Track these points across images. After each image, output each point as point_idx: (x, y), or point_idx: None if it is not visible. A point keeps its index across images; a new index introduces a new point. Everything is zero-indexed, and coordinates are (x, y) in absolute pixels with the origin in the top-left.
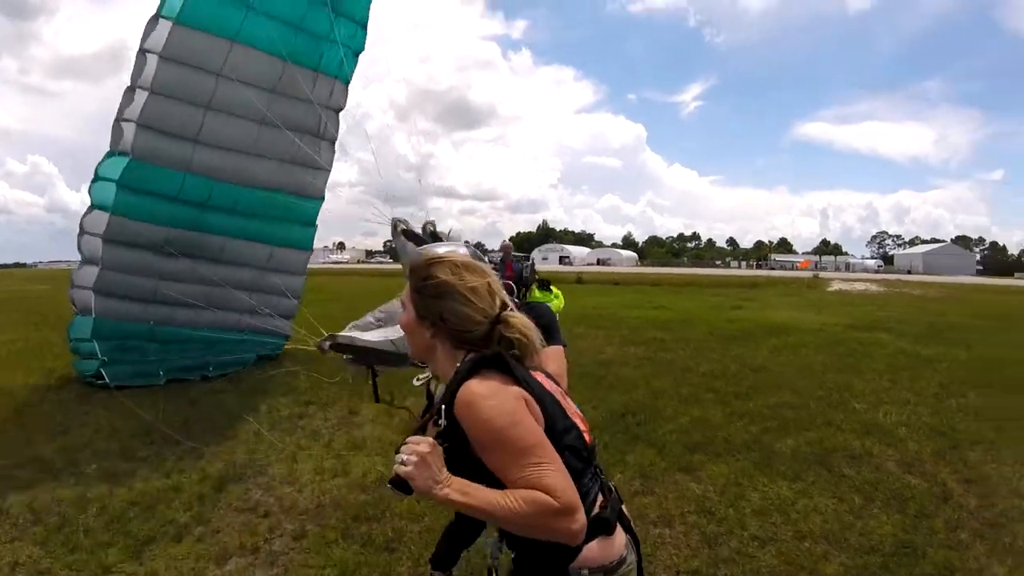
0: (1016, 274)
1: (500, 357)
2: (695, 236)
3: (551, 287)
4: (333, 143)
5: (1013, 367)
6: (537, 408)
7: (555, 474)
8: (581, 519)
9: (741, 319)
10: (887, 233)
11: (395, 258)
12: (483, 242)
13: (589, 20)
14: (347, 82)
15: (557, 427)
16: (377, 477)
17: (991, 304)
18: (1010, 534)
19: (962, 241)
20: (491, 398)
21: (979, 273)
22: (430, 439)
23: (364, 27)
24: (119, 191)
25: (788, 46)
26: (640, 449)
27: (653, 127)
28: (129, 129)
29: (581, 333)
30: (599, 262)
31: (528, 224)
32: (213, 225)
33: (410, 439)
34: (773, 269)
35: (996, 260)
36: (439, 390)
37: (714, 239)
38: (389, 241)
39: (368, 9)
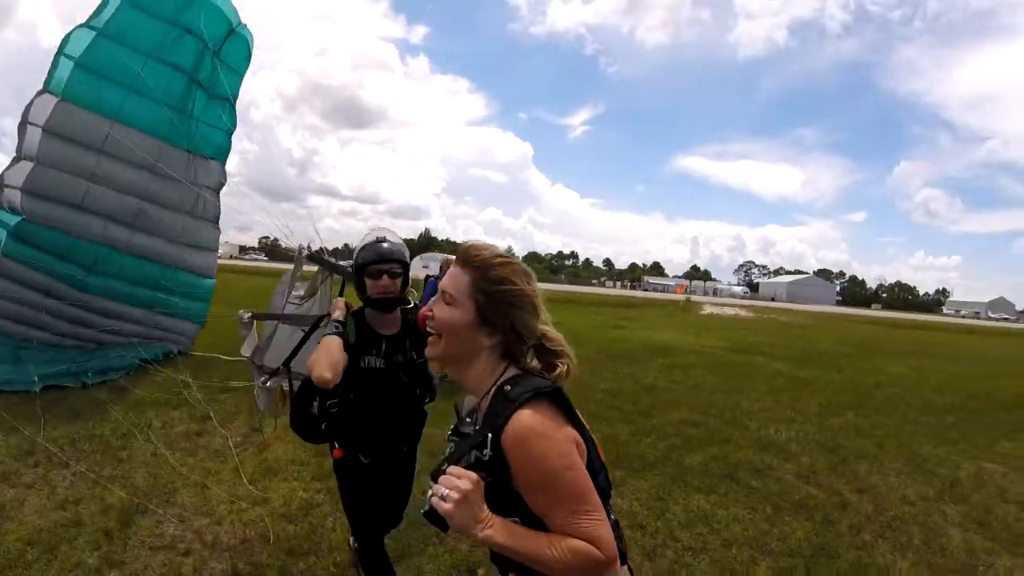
0: (872, 305)
1: (560, 392)
2: (573, 255)
3: None
4: (216, 222)
5: (880, 390)
6: (584, 448)
7: (601, 525)
8: (619, 569)
9: (625, 339)
10: (754, 262)
11: (271, 256)
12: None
13: (490, 35)
14: (223, 161)
15: (594, 467)
16: (301, 505)
17: (852, 332)
18: (906, 534)
19: (823, 274)
20: (546, 437)
21: (838, 303)
22: (472, 475)
23: (234, 104)
24: (9, 239)
25: (677, 83)
26: None
27: (540, 146)
28: (15, 194)
29: None
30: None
31: (410, 231)
32: (97, 288)
33: (451, 470)
34: (646, 290)
35: (854, 292)
36: (466, 403)
37: (591, 259)
38: (265, 237)
39: (239, 87)
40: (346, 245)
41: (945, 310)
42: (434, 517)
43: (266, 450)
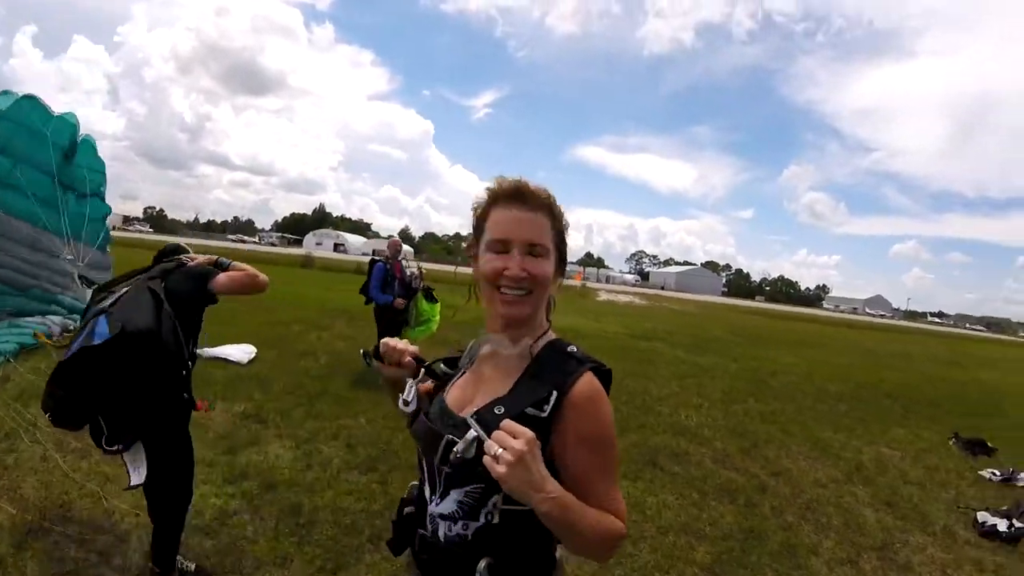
0: (756, 297)
1: (608, 371)
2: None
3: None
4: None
5: (775, 378)
6: None
7: (622, 500)
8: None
9: None
10: (645, 252)
11: (157, 228)
12: (252, 219)
13: (400, 8)
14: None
15: None
16: (216, 514)
17: (740, 322)
18: (825, 515)
19: (710, 265)
20: (608, 404)
21: (724, 294)
22: (530, 434)
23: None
24: None
25: (582, 73)
26: None
27: (442, 125)
28: None
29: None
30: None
31: (303, 205)
32: None
33: (505, 425)
34: None
35: (739, 284)
36: (485, 344)
37: None
38: (151, 207)
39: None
40: (235, 218)
41: (825, 305)
42: (465, 466)
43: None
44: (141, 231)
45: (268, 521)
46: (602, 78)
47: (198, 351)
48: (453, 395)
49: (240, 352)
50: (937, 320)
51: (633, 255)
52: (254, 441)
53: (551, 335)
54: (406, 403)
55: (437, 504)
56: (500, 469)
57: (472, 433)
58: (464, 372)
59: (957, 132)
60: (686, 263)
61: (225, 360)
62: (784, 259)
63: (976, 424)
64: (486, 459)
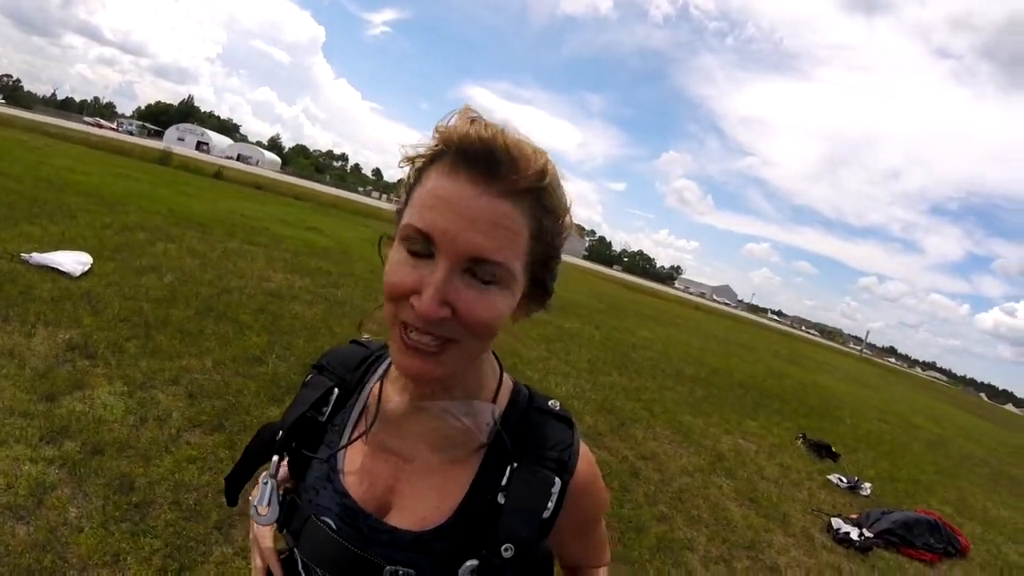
0: (614, 266)
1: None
2: (343, 157)
3: None
4: None
5: (636, 352)
6: None
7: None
8: None
9: None
10: None
11: (11, 100)
12: (113, 102)
13: None
14: None
15: None
16: (31, 487)
17: (600, 288)
18: (695, 508)
19: (576, 229)
20: None
21: (584, 258)
22: None
23: None
24: None
25: (490, 14)
26: None
27: (334, 35)
28: None
29: (236, 249)
30: (239, 158)
31: (171, 95)
32: None
33: None
34: None
35: (601, 251)
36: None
37: (361, 165)
38: (7, 76)
39: None
40: (96, 99)
41: (677, 285)
42: None
43: None
44: None
45: (95, 500)
46: (509, 24)
47: (25, 256)
48: (356, 481)
49: (72, 261)
50: (776, 317)
51: None
52: (79, 383)
53: (508, 383)
54: (260, 513)
55: None
56: None
57: None
58: (353, 433)
59: (829, 158)
60: None
61: (55, 270)
62: (645, 235)
63: (818, 426)
64: None
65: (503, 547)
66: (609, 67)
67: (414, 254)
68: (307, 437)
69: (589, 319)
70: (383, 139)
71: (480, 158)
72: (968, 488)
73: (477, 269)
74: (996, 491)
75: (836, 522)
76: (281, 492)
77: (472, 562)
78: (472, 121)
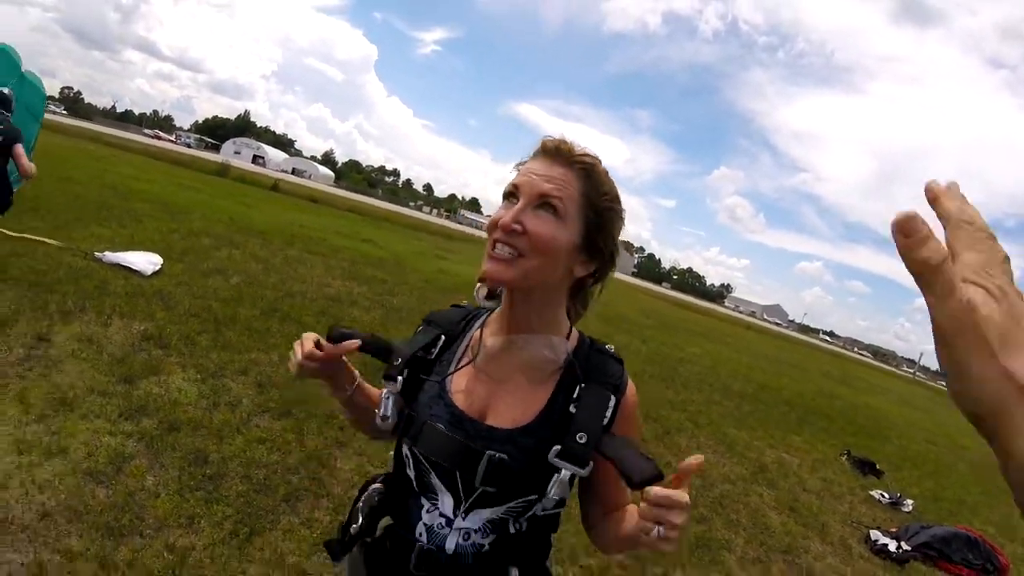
0: (663, 283)
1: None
2: (395, 172)
3: None
4: None
5: (684, 367)
6: None
7: None
8: None
9: (449, 271)
10: None
11: (72, 111)
12: (172, 115)
13: None
14: None
15: None
16: (110, 456)
17: (649, 305)
18: (735, 512)
19: (625, 245)
20: None
21: (633, 275)
22: (686, 499)
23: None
24: None
25: (538, 31)
26: None
27: (386, 53)
28: None
29: (296, 256)
30: (294, 171)
31: (227, 110)
32: None
33: (658, 495)
34: (460, 223)
35: (650, 268)
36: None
37: (412, 180)
38: (68, 88)
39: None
40: (155, 112)
41: (727, 303)
42: (512, 487)
43: None
44: (56, 112)
45: (170, 470)
46: (557, 41)
47: (98, 255)
48: (462, 397)
49: (144, 261)
50: (828, 338)
51: None
52: (155, 370)
53: (575, 332)
54: (385, 419)
55: (463, 519)
56: (667, 547)
57: (566, 473)
58: (460, 363)
59: (882, 173)
60: None
61: (127, 268)
62: (695, 252)
63: (865, 444)
64: (646, 538)
65: (578, 435)
66: (657, 83)
67: (506, 201)
68: (418, 369)
69: (637, 334)
70: (434, 155)
71: (551, 148)
72: (1014, 511)
73: (541, 202)
74: None
75: (875, 534)
76: (398, 408)
77: (556, 447)
78: (546, 138)
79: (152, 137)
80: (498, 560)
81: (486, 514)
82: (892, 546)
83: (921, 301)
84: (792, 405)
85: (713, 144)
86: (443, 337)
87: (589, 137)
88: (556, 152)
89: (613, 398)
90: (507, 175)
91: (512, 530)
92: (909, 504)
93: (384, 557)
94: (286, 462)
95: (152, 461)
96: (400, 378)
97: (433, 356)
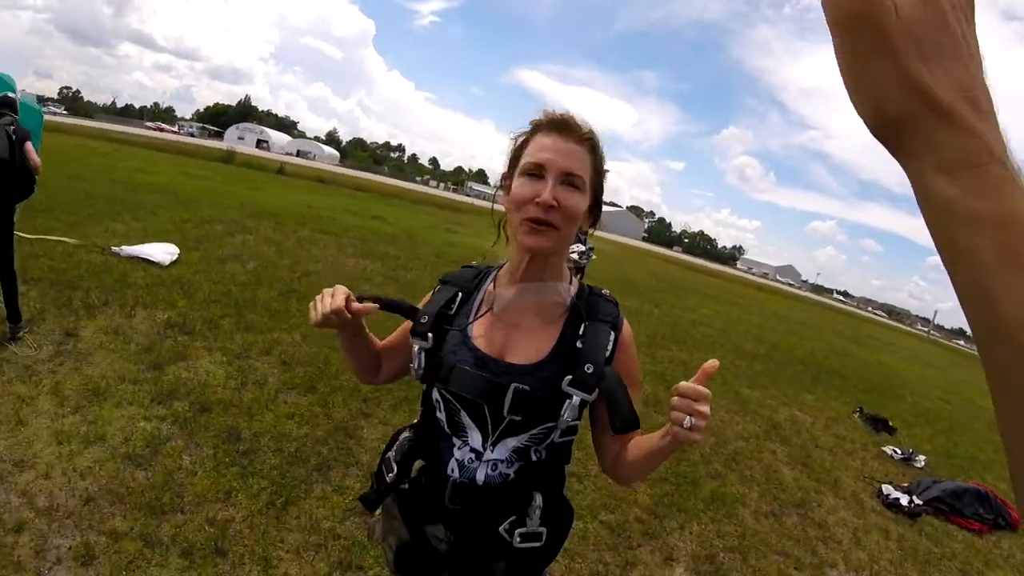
0: (674, 247)
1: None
2: (400, 147)
3: None
4: None
5: (696, 329)
6: None
7: None
8: None
9: (460, 244)
10: None
11: (72, 110)
12: (172, 106)
13: None
14: None
15: None
16: (146, 440)
17: (659, 268)
18: (749, 468)
19: (635, 210)
20: None
21: (644, 239)
22: (707, 393)
23: None
24: None
25: None
26: None
27: (384, 27)
28: None
29: (309, 237)
30: (299, 153)
31: (227, 96)
32: None
33: (684, 389)
34: (468, 196)
35: (660, 232)
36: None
37: (417, 155)
38: (66, 88)
39: None
40: (155, 104)
41: (739, 265)
42: (536, 415)
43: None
44: (56, 112)
45: (205, 449)
46: (558, 4)
47: (116, 249)
48: (483, 341)
49: (161, 252)
50: (842, 298)
51: None
52: (182, 355)
53: (575, 280)
54: (418, 370)
55: (491, 451)
56: (696, 437)
57: (577, 398)
58: (479, 312)
59: None
60: (612, 204)
61: (146, 260)
62: (706, 215)
63: (878, 402)
64: (677, 430)
65: (585, 366)
66: (662, 43)
67: (530, 177)
68: (441, 323)
69: (648, 297)
70: (438, 128)
71: (561, 124)
72: None
73: (567, 180)
74: None
75: (886, 488)
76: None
77: (568, 377)
78: (546, 111)
79: (155, 129)
80: (523, 486)
81: (511, 443)
82: (904, 500)
83: (934, 258)
84: (805, 364)
85: (720, 103)
86: (459, 293)
87: (595, 101)
88: (567, 128)
89: (612, 334)
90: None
91: (534, 458)
92: (921, 460)
93: (419, 497)
94: (315, 434)
95: (187, 441)
96: (430, 335)
97: (453, 311)
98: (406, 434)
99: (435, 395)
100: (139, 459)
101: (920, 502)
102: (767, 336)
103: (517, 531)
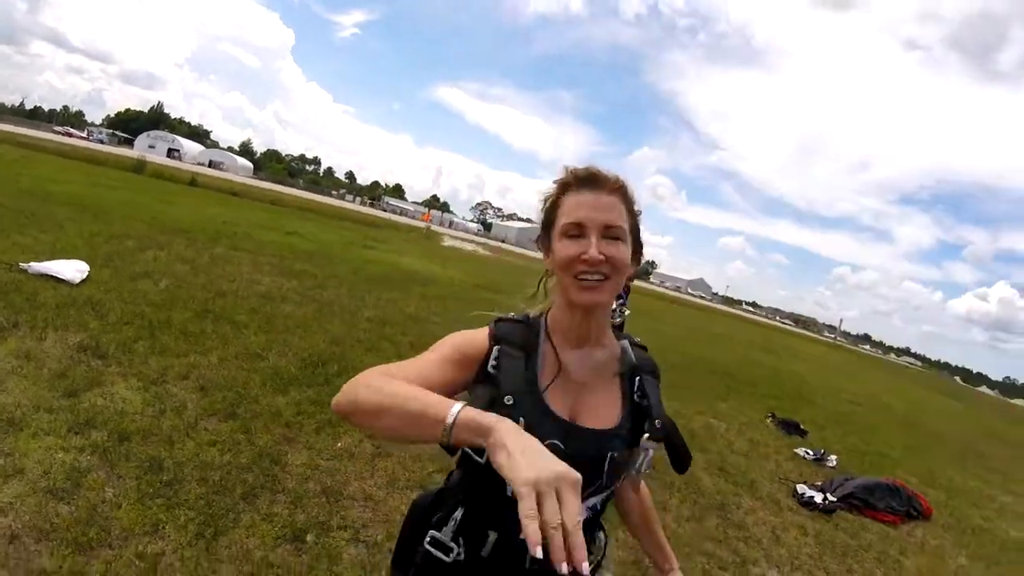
0: None
1: None
2: (316, 160)
3: None
4: None
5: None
6: None
7: None
8: None
9: (377, 260)
10: (490, 203)
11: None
12: (83, 110)
13: None
14: None
15: None
16: (67, 472)
17: None
18: (669, 475)
19: (541, 238)
20: None
21: None
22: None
23: None
24: None
25: (459, 13)
26: None
27: (303, 38)
28: None
29: (223, 255)
30: (211, 164)
31: (140, 101)
32: None
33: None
34: (385, 211)
35: None
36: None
37: (333, 168)
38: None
39: None
40: (65, 108)
41: (652, 279)
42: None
43: None
44: None
45: (128, 480)
46: (479, 23)
47: (24, 266)
48: (560, 407)
49: (71, 269)
50: (751, 309)
51: (479, 204)
52: (96, 381)
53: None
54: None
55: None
56: None
57: (652, 451)
58: (548, 378)
59: (800, 150)
60: (528, 220)
61: (55, 278)
62: None
63: (789, 407)
64: None
65: (656, 421)
66: (579, 64)
67: (571, 238)
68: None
69: None
70: (356, 141)
71: (590, 179)
72: (936, 462)
73: (608, 233)
74: (964, 465)
75: (801, 488)
76: None
77: (646, 434)
78: (573, 168)
79: (63, 134)
80: (588, 530)
81: (591, 501)
82: (818, 498)
83: (839, 270)
84: (719, 374)
85: (635, 125)
86: (525, 356)
87: (510, 119)
88: (597, 182)
89: (657, 382)
90: (428, 160)
91: (599, 507)
92: (833, 460)
93: (482, 566)
94: (239, 461)
95: (109, 473)
96: (522, 420)
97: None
98: (461, 512)
99: None
100: (61, 492)
101: (834, 499)
102: (683, 348)
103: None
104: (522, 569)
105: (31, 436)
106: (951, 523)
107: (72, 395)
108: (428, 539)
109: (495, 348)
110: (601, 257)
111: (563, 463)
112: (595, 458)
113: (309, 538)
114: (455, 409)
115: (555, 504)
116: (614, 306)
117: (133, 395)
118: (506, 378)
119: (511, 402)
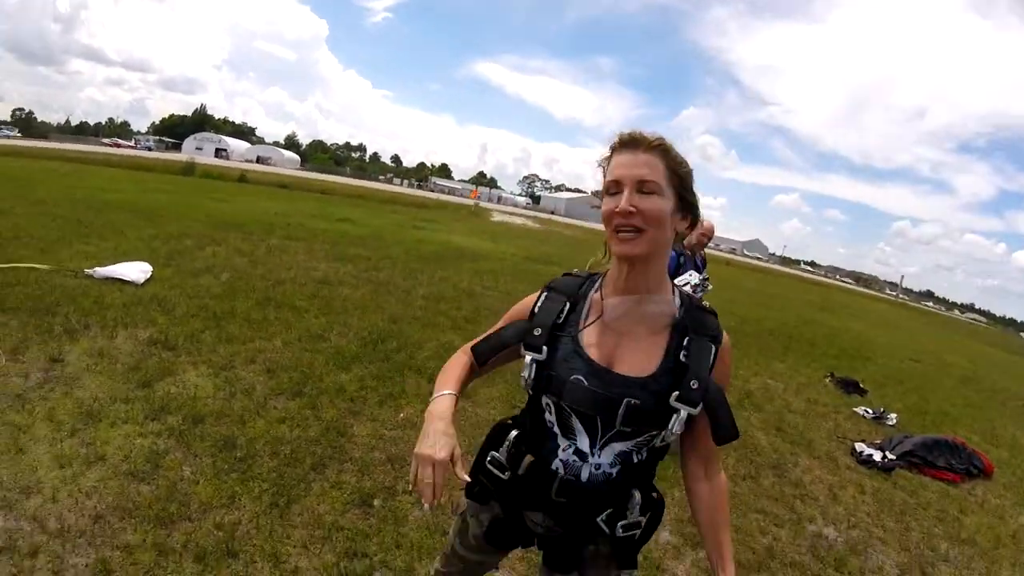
0: None
1: None
2: (361, 147)
3: None
4: None
5: None
6: None
7: None
8: None
9: (429, 240)
10: (537, 176)
11: (26, 132)
12: (128, 121)
13: None
14: None
15: None
16: (146, 456)
17: None
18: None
19: (600, 194)
20: None
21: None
22: None
23: None
24: None
25: None
26: (413, 379)
27: (337, 27)
28: None
29: (278, 245)
30: (259, 160)
31: (182, 106)
32: None
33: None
34: (433, 191)
35: None
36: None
37: (379, 153)
38: (19, 109)
39: None
40: (110, 120)
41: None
42: (644, 425)
43: None
44: (9, 136)
45: (204, 459)
46: None
47: (89, 271)
48: (594, 350)
49: (135, 271)
50: (809, 268)
51: (526, 177)
52: (168, 371)
53: (677, 291)
54: (528, 381)
55: (597, 455)
56: None
57: (684, 412)
58: (588, 321)
59: (851, 101)
60: (577, 190)
61: (120, 280)
62: None
63: (848, 366)
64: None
65: (691, 381)
66: (617, 28)
67: (611, 195)
68: (553, 330)
69: None
70: (398, 125)
71: (629, 141)
72: (999, 420)
73: (642, 188)
74: None
75: (859, 446)
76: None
77: (676, 392)
78: (620, 133)
79: (111, 146)
80: (624, 485)
81: (617, 447)
82: (877, 456)
83: (898, 224)
84: (775, 334)
85: (678, 85)
86: (568, 302)
87: (555, 89)
88: (635, 142)
89: (713, 347)
90: (472, 137)
91: (635, 460)
92: (893, 418)
93: (521, 487)
94: (307, 435)
95: (185, 453)
96: (545, 348)
97: (562, 320)
98: (514, 433)
99: (545, 400)
100: (141, 474)
101: (893, 457)
102: (737, 310)
103: (619, 523)
104: (548, 496)
105: (110, 425)
106: (1013, 482)
107: (146, 385)
108: (488, 457)
109: (543, 295)
110: (631, 209)
111: (434, 447)
112: (611, 401)
113: (376, 503)
114: (435, 396)
115: (427, 470)
116: (696, 281)
117: (204, 381)
118: (541, 315)
119: (538, 333)
